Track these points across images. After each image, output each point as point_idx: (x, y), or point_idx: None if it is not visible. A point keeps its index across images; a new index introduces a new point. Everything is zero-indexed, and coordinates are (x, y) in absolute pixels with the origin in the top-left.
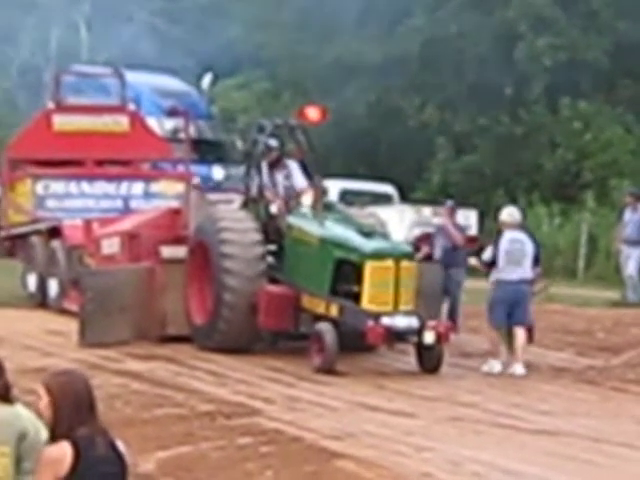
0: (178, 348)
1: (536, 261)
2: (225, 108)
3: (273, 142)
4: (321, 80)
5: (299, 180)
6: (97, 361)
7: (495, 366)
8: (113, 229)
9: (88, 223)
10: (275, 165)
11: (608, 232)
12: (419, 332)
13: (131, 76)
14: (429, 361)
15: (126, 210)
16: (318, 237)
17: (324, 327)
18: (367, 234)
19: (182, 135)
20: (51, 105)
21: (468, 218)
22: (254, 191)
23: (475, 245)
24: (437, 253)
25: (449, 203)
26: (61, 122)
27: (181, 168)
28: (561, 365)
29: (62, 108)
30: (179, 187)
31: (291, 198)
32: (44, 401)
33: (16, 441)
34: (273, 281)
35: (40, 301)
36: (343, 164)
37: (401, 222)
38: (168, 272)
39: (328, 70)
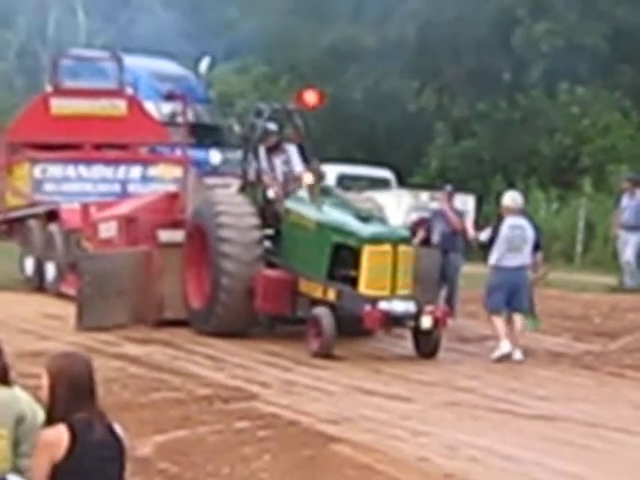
0: (175, 332)
1: (537, 247)
2: (223, 92)
3: (272, 126)
4: (318, 65)
5: (297, 165)
6: (94, 345)
7: (504, 347)
8: (111, 213)
9: (86, 207)
10: (274, 149)
11: (606, 217)
12: (416, 317)
13: (129, 60)
14: (426, 346)
15: (124, 194)
16: (316, 221)
17: (321, 311)
18: (365, 219)
19: (180, 119)
20: (49, 89)
21: (466, 203)
22: (251, 175)
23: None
24: (435, 238)
25: (447, 188)
26: (59, 106)
27: (179, 152)
28: (558, 350)
29: (60, 92)
30: (177, 171)
31: (289, 182)
32: (43, 383)
33: (14, 424)
34: (270, 265)
35: (37, 285)
36: (341, 149)
37: (398, 207)
38: (165, 256)
39: (325, 55)
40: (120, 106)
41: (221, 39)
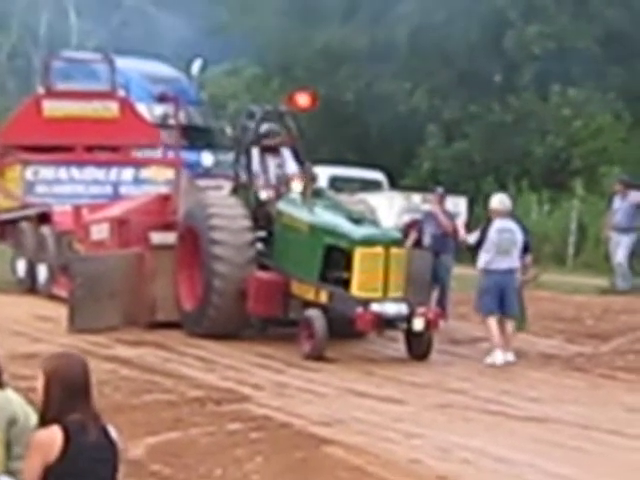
0: (167, 334)
1: (526, 249)
2: (215, 94)
3: (275, 127)
4: (310, 66)
5: (291, 167)
6: (86, 347)
7: (498, 357)
8: (102, 215)
9: (77, 209)
10: (270, 151)
11: (597, 219)
12: (408, 319)
13: (121, 62)
14: (418, 348)
15: (115, 196)
16: (308, 223)
17: (313, 313)
18: (356, 220)
19: (172, 121)
20: (41, 90)
21: (457, 205)
22: (243, 177)
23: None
24: (426, 240)
25: (439, 190)
26: (51, 108)
27: (171, 154)
28: (550, 352)
29: (52, 94)
30: (169, 173)
31: (281, 184)
32: (39, 383)
33: (6, 426)
34: (262, 267)
35: (29, 287)
36: (333, 150)
37: (390, 209)
38: (157, 258)
39: (317, 56)
40: (112, 108)
41: (213, 41)
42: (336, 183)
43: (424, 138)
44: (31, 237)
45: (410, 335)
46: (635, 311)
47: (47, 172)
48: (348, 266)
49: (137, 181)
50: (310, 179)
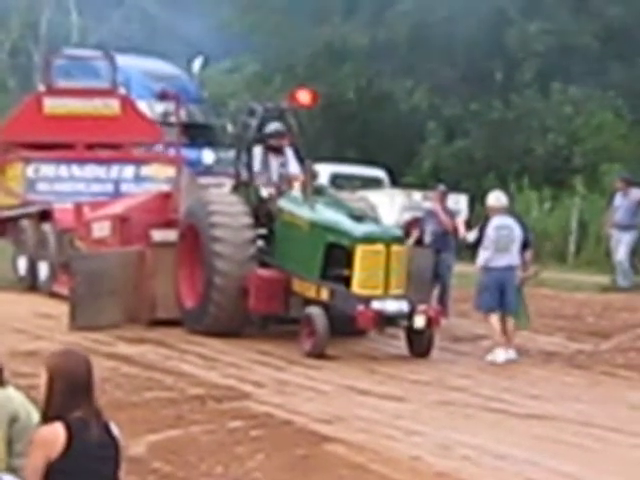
0: (168, 332)
1: (525, 246)
2: (216, 92)
3: (281, 128)
4: (312, 64)
5: (294, 167)
6: (87, 344)
7: (499, 355)
8: (104, 213)
9: (79, 206)
10: (273, 150)
11: (598, 217)
12: (409, 316)
13: (121, 59)
14: (419, 345)
15: (117, 194)
16: (309, 221)
17: (314, 311)
18: (358, 218)
19: (173, 119)
20: (42, 88)
21: (458, 202)
22: (244, 175)
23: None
24: (427, 238)
25: (440, 188)
26: (52, 105)
27: (172, 152)
28: (551, 349)
29: (53, 91)
30: (170, 171)
31: (283, 183)
32: (41, 380)
33: (8, 424)
34: (263, 265)
35: (30, 284)
36: (334, 148)
37: (391, 206)
38: (158, 256)
39: (318, 54)
40: (113, 106)
41: (214, 38)
42: (337, 181)
43: (425, 136)
44: (32, 235)
45: (411, 333)
46: (636, 308)
47: (48, 170)
48: (349, 264)
49: (138, 179)
50: (311, 177)
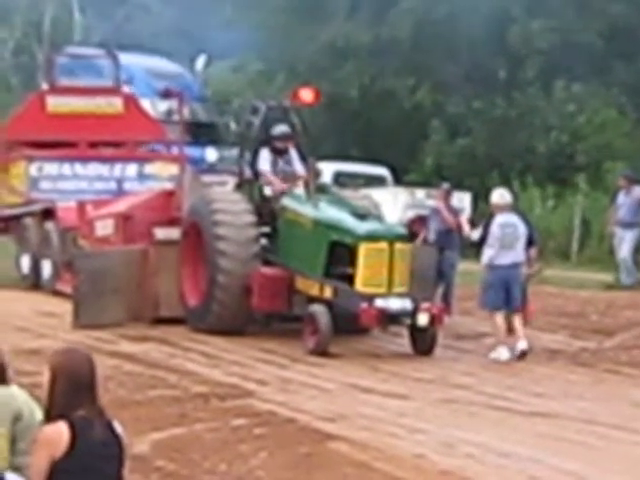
0: (171, 330)
1: (530, 242)
2: (219, 90)
3: (287, 130)
4: (314, 62)
5: (298, 166)
6: (90, 342)
7: (503, 353)
8: (107, 211)
9: (82, 205)
10: (278, 151)
11: (601, 215)
12: (413, 314)
13: (125, 58)
14: (423, 343)
15: (120, 192)
16: (312, 219)
17: (318, 309)
18: (361, 216)
19: (176, 117)
20: (45, 86)
21: (462, 200)
22: (248, 173)
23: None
24: (431, 235)
25: (445, 186)
26: (55, 104)
27: (175, 150)
28: (555, 347)
29: (56, 89)
30: (173, 169)
31: (287, 181)
32: (44, 379)
33: (11, 422)
34: (267, 263)
35: (33, 282)
36: (337, 146)
37: (395, 204)
38: (162, 254)
39: (321, 52)
40: (116, 104)
41: (217, 37)
42: (340, 179)
43: (428, 134)
44: (35, 233)
45: (414, 330)
46: (639, 306)
47: (51, 168)
48: (352, 261)
49: (141, 177)
50: (314, 175)
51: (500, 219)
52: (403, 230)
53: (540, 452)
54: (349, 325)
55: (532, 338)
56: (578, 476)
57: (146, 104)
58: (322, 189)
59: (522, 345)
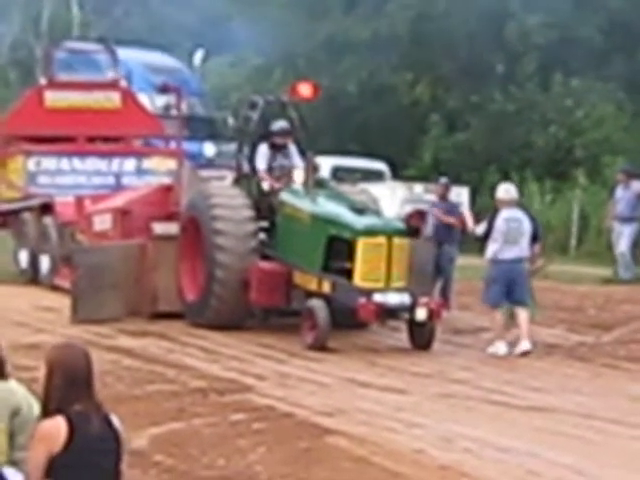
0: (170, 325)
1: (534, 238)
2: (217, 85)
3: (286, 126)
4: (312, 57)
5: (297, 161)
6: (89, 337)
7: (501, 348)
8: (105, 206)
9: (80, 200)
10: (277, 148)
11: (600, 209)
12: (411, 309)
13: (123, 52)
14: (421, 338)
15: (118, 187)
16: (310, 214)
17: (316, 304)
18: (359, 211)
19: (174, 112)
20: (43, 81)
21: (460, 195)
22: (246, 168)
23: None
24: (429, 230)
25: (442, 180)
26: (53, 98)
27: (173, 145)
28: (552, 342)
29: (54, 84)
30: (171, 164)
31: (284, 175)
32: (41, 373)
33: (9, 416)
34: (265, 257)
35: (32, 277)
36: (335, 141)
37: (393, 199)
38: (160, 249)
39: (320, 47)
40: (114, 99)
41: (215, 32)
42: (338, 173)
43: (426, 128)
44: (33, 228)
45: (413, 325)
46: (637, 301)
47: (49, 163)
48: (350, 256)
49: (139, 172)
50: (312, 169)
51: (505, 214)
52: (401, 225)
53: (537, 446)
54: (347, 320)
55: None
56: (575, 470)
57: (144, 99)
58: (320, 184)
59: (525, 346)
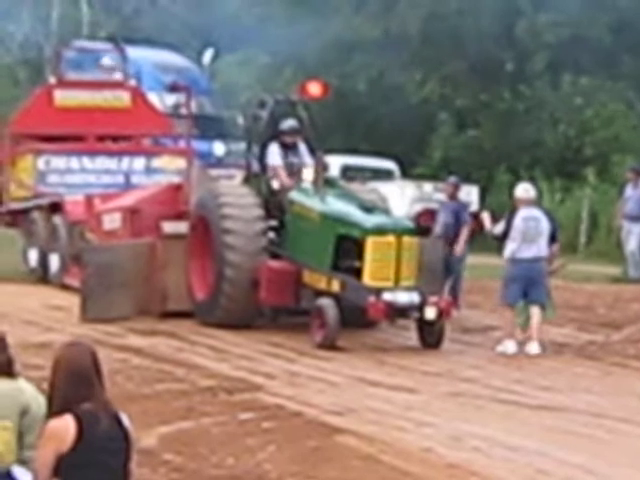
0: (179, 323)
1: (553, 238)
2: (226, 84)
3: (296, 125)
4: (322, 56)
5: (307, 160)
6: (98, 336)
7: (510, 347)
8: (114, 204)
9: (89, 199)
10: (287, 146)
11: (609, 208)
12: (420, 308)
13: (132, 51)
14: (430, 336)
15: (127, 185)
16: (319, 213)
17: (326, 302)
18: (368, 210)
19: (183, 110)
20: (52, 80)
21: (469, 194)
22: (255, 167)
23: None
24: (438, 229)
25: (452, 179)
26: (62, 97)
27: (182, 144)
28: (562, 341)
29: (63, 83)
30: (180, 162)
31: (294, 174)
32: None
33: (18, 415)
34: (274, 256)
35: (41, 276)
36: (344, 140)
37: (402, 198)
38: (169, 247)
39: (329, 46)
40: (124, 98)
41: (224, 31)
42: (348, 172)
43: (436, 127)
44: (43, 227)
45: (422, 324)
46: None
47: (59, 162)
48: (360, 255)
49: (149, 171)
50: (322, 168)
51: (523, 213)
52: (411, 224)
53: (547, 445)
54: (357, 319)
55: (539, 331)
56: (585, 469)
57: (153, 98)
58: (330, 183)
59: (534, 349)
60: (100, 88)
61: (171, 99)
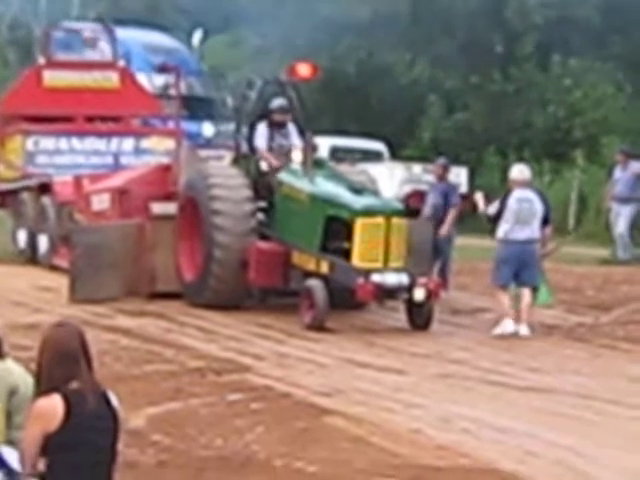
0: (168, 304)
1: (546, 221)
2: (215, 65)
3: (285, 104)
4: (311, 37)
5: (296, 140)
6: (87, 317)
7: (508, 326)
8: (103, 185)
9: (78, 179)
10: (276, 126)
11: (598, 190)
12: (409, 289)
13: (121, 32)
14: (419, 318)
15: (116, 166)
16: (308, 194)
17: (314, 284)
18: (357, 191)
19: (172, 91)
20: (41, 61)
21: (458, 175)
22: (244, 147)
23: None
24: (427, 210)
25: (441, 161)
26: (51, 78)
27: (171, 124)
28: (551, 322)
29: (52, 64)
30: (169, 143)
31: (282, 155)
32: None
33: (7, 396)
34: (263, 237)
35: (30, 257)
36: (333, 121)
37: (391, 179)
38: (158, 228)
39: (318, 27)
40: (113, 78)
41: (214, 11)
42: (337, 154)
43: (425, 108)
44: (32, 208)
45: (411, 305)
46: (636, 281)
47: (48, 142)
48: (349, 236)
49: (138, 151)
50: (311, 149)
51: (517, 194)
52: (400, 205)
53: (536, 427)
54: (346, 300)
55: (529, 314)
56: (574, 451)
57: (143, 79)
58: (319, 164)
59: (523, 331)
60: (89, 69)
61: (160, 80)
